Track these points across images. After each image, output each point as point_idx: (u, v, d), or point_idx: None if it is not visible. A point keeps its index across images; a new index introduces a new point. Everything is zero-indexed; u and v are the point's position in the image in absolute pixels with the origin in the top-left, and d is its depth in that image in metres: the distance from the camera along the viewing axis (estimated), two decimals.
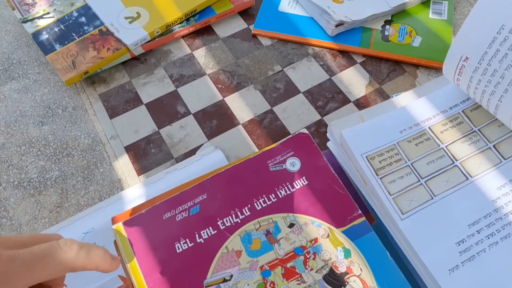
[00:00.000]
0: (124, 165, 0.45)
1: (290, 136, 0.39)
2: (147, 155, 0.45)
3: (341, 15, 0.51)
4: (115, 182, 0.44)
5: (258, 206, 0.36)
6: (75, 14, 0.53)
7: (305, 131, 0.39)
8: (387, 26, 0.53)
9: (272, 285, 0.33)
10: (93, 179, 0.44)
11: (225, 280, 0.33)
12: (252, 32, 0.54)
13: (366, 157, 0.35)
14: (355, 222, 0.35)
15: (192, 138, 0.46)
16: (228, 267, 0.34)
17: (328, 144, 0.40)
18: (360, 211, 0.35)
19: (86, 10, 0.53)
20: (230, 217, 0.36)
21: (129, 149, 0.46)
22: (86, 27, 0.52)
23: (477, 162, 0.34)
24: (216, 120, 0.47)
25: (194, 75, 0.51)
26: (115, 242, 0.36)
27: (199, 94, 0.49)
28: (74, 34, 0.51)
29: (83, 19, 0.52)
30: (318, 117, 0.47)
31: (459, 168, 0.34)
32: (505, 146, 0.35)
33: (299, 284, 0.33)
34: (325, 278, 0.33)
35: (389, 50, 0.51)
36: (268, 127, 0.47)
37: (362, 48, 0.51)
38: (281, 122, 0.47)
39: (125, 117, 0.48)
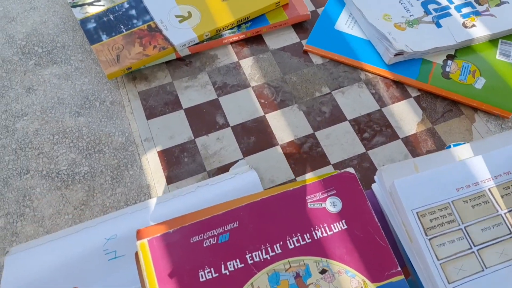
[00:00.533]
0: (155, 171, 0.43)
1: (335, 173, 0.37)
2: (179, 163, 0.44)
3: (402, 44, 0.47)
4: (143, 188, 0.42)
5: (291, 245, 0.34)
6: (126, 5, 0.51)
7: (352, 170, 0.36)
8: (449, 62, 0.49)
9: None
10: (122, 180, 0.43)
11: None
12: (304, 48, 0.51)
13: (417, 213, 0.32)
14: (392, 279, 0.32)
15: (227, 152, 0.44)
16: None
17: (373, 186, 0.38)
18: (399, 268, 0.33)
19: (137, 2, 0.51)
20: (259, 252, 0.33)
21: (162, 154, 0.44)
22: (135, 21, 0.50)
23: None
24: (254, 137, 0.45)
25: (238, 85, 0.49)
26: (136, 254, 0.35)
27: (240, 107, 0.47)
28: (122, 26, 0.50)
29: (133, 11, 0.51)
30: (363, 149, 0.44)
31: None
32: None
33: None
34: None
35: (448, 88, 0.47)
36: (307, 152, 0.44)
37: (419, 82, 0.48)
38: (322, 149, 0.44)
39: (163, 120, 0.46)
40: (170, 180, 0.43)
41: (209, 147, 0.45)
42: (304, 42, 0.52)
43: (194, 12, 0.51)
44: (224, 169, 0.43)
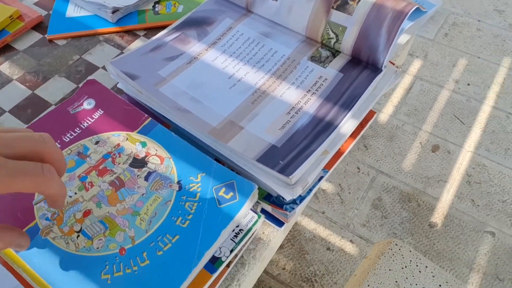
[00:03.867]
0: None
1: (81, 85, 0.50)
2: None
3: (113, 3, 0.63)
4: None
5: (67, 139, 0.45)
6: None
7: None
8: (157, 5, 0.67)
9: (90, 184, 0.42)
10: None
11: None
12: (47, 37, 0.63)
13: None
14: (145, 123, 0.47)
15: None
16: None
17: (119, 86, 0.51)
18: (146, 115, 0.47)
19: None
20: None
21: None
22: None
23: None
24: (31, 108, 0.55)
25: (3, 83, 0.58)
26: None
27: (11, 95, 0.57)
28: None
29: None
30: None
31: None
32: None
33: (112, 175, 0.43)
34: (130, 164, 0.44)
35: (161, 20, 0.65)
36: None
37: (141, 24, 0.64)
38: None
39: None
40: None
41: None
42: (46, 36, 0.64)
43: None
44: None
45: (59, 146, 0.45)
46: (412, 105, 1.62)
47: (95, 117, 0.47)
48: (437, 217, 1.34)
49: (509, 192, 1.39)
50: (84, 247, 0.39)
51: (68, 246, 0.39)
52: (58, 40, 0.64)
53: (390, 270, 0.73)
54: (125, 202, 0.41)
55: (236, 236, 0.42)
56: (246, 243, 0.43)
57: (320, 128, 0.44)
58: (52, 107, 0.55)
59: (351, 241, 1.30)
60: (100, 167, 0.43)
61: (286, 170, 0.40)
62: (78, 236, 0.39)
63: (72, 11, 0.67)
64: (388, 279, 0.72)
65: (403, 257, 0.74)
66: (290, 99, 0.46)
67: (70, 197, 0.41)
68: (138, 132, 0.46)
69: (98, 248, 0.39)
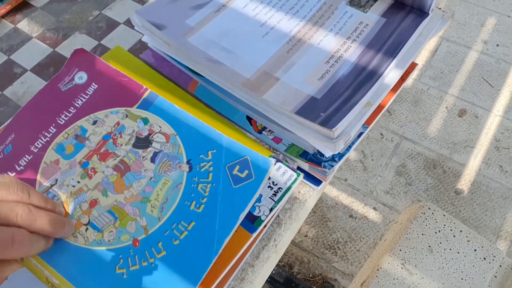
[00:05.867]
0: None
1: (70, 57, 0.45)
2: None
3: None
4: None
5: (62, 121, 0.41)
6: None
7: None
8: None
9: (92, 170, 0.39)
10: None
11: (52, 185, 0.38)
12: None
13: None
14: (145, 96, 0.42)
15: (35, 89, 0.51)
16: (51, 175, 0.39)
17: (143, 39, 0.48)
18: (145, 87, 0.42)
19: None
20: (39, 140, 0.40)
21: None
22: None
23: None
24: (53, 67, 0.53)
25: (23, 41, 0.56)
26: None
27: (32, 54, 0.54)
28: None
29: None
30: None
31: None
32: None
33: (115, 159, 0.39)
34: (134, 145, 0.40)
35: None
36: None
37: None
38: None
39: None
40: None
41: (17, 92, 0.51)
42: None
43: None
44: None
45: (54, 130, 0.40)
46: (438, 67, 1.55)
47: (89, 93, 0.42)
48: (464, 183, 1.31)
49: None
50: (94, 240, 0.36)
51: (77, 240, 0.36)
52: None
53: (423, 234, 0.70)
54: (133, 188, 0.38)
55: (275, 195, 0.39)
56: (283, 202, 0.41)
57: (362, 78, 0.40)
58: None
59: (374, 208, 1.28)
60: (101, 150, 0.39)
61: (328, 122, 0.37)
62: (87, 229, 0.36)
63: None
64: (421, 243, 0.69)
65: (436, 222, 0.71)
66: (328, 47, 0.43)
67: (74, 186, 0.38)
68: (138, 107, 0.41)
69: (109, 240, 0.36)
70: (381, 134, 1.41)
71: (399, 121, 1.44)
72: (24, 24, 0.58)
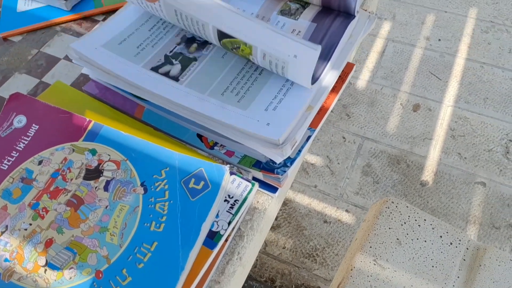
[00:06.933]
0: None
1: (5, 103, 0.44)
2: None
3: None
4: None
5: (5, 167, 0.40)
6: None
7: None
8: None
9: (44, 210, 0.38)
10: None
11: (2, 232, 0.37)
12: (1, 35, 0.59)
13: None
14: (89, 128, 0.42)
15: None
16: (0, 222, 0.38)
17: (83, 71, 0.48)
18: (88, 119, 0.42)
19: None
20: None
21: None
22: None
23: None
24: None
25: None
26: None
27: None
28: None
29: None
30: None
31: None
32: None
33: (66, 195, 0.38)
34: (84, 177, 0.39)
35: (120, 0, 0.61)
36: None
37: (98, 9, 0.61)
38: None
39: None
40: None
41: None
42: None
43: None
44: None
45: None
46: (387, 67, 1.61)
47: (31, 135, 0.42)
48: (427, 175, 1.35)
49: (493, 141, 1.41)
50: (55, 281, 0.35)
51: (37, 284, 0.35)
52: (12, 36, 0.59)
53: (390, 228, 0.72)
54: (89, 220, 0.37)
55: (232, 207, 0.39)
56: (242, 214, 0.41)
57: None
58: None
59: (346, 210, 1.30)
60: (51, 188, 0.39)
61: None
62: (46, 270, 0.35)
63: (23, 5, 0.62)
64: (389, 237, 0.71)
65: (401, 214, 0.73)
66: None
67: (26, 229, 0.37)
68: (84, 140, 0.41)
69: (71, 278, 0.35)
70: (343, 138, 1.45)
71: (358, 122, 1.48)
72: None
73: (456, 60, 1.61)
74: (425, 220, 0.72)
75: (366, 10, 0.48)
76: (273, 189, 0.44)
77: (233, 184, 0.41)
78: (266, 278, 1.20)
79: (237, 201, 0.40)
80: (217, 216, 0.39)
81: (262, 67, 0.43)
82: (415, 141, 1.42)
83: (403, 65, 1.61)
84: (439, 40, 1.67)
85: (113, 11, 0.61)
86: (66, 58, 0.56)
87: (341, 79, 0.49)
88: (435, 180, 1.34)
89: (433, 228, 0.71)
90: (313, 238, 1.26)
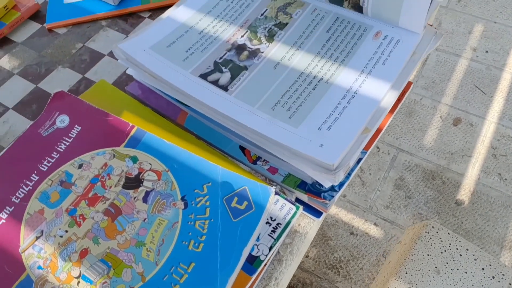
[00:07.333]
0: None
1: (49, 100, 0.43)
2: None
3: None
4: None
5: (44, 168, 0.39)
6: None
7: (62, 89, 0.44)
8: None
9: (81, 217, 0.36)
10: None
11: (37, 238, 0.36)
12: (46, 27, 0.58)
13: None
14: (132, 134, 0.40)
15: (17, 128, 0.49)
16: (36, 226, 0.36)
17: (128, 71, 0.46)
18: (131, 124, 0.41)
19: None
20: (21, 189, 0.38)
21: None
22: None
23: None
24: (36, 104, 0.51)
25: (4, 79, 0.54)
26: None
27: (13, 91, 0.52)
28: None
29: None
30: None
31: None
32: None
33: (104, 203, 0.37)
34: (124, 186, 0.38)
35: (162, 0, 0.59)
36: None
37: (145, 5, 0.59)
38: None
39: None
40: None
41: None
42: (45, 25, 0.59)
43: None
44: None
45: (37, 178, 0.38)
46: (429, 77, 1.55)
47: (73, 136, 0.40)
48: (464, 194, 1.29)
49: None
50: None
51: None
52: (58, 28, 0.58)
53: (428, 255, 0.68)
54: (126, 233, 0.35)
55: (274, 231, 0.37)
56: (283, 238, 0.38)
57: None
58: None
59: (375, 224, 1.25)
60: (90, 195, 0.37)
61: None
62: (79, 282, 0.34)
63: None
64: (427, 265, 0.67)
65: (441, 241, 0.69)
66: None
67: (61, 236, 0.35)
68: (125, 146, 0.39)
69: None
70: (377, 148, 1.40)
71: (394, 133, 1.42)
72: (5, 61, 0.55)
73: (503, 74, 1.53)
74: (467, 249, 0.68)
75: (432, 25, 0.44)
76: (317, 213, 0.42)
77: (276, 205, 0.38)
78: (287, 285, 1.17)
79: (279, 225, 0.37)
80: (257, 239, 0.37)
81: None
82: (453, 157, 1.36)
83: (445, 75, 1.54)
84: (487, 52, 1.59)
85: (159, 8, 0.59)
86: (110, 54, 0.54)
87: (398, 98, 0.45)
88: (472, 200, 1.28)
89: (475, 259, 0.67)
90: (338, 249, 1.22)
